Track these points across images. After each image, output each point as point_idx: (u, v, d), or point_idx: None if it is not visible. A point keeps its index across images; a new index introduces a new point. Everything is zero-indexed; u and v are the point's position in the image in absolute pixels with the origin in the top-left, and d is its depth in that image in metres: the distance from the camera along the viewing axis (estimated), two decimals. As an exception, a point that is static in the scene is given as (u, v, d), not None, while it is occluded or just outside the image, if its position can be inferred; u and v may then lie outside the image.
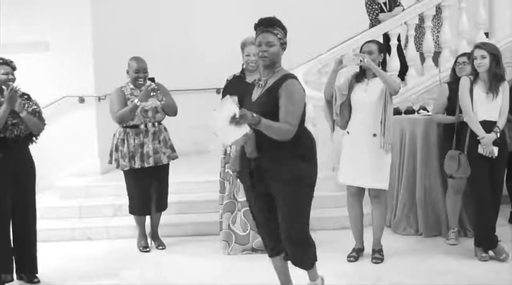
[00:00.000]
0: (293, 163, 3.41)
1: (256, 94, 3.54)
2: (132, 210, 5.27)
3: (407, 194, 5.54)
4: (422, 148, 5.42)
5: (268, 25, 3.42)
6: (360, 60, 4.47)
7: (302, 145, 3.47)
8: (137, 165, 5.06)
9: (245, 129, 3.16)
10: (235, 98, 4.66)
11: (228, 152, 4.92)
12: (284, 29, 3.46)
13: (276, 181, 3.43)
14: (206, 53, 8.13)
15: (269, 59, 3.42)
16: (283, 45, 3.46)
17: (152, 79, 4.97)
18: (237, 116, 3.11)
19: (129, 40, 7.26)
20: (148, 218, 5.33)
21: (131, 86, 5.12)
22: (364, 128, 4.63)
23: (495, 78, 4.53)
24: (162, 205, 5.31)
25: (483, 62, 4.50)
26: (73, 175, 6.92)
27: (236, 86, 4.80)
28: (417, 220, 5.49)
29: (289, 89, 3.36)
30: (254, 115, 3.21)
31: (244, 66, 4.95)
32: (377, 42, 4.81)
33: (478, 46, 4.59)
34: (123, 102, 5.04)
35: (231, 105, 3.16)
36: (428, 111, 5.68)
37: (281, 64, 3.52)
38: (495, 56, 4.50)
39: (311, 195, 3.55)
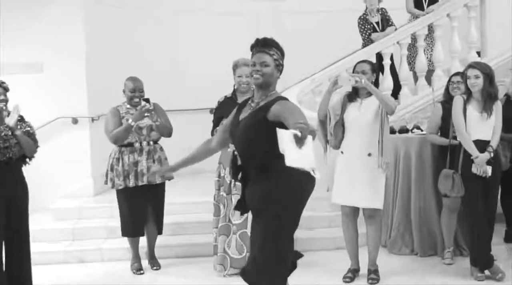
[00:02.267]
0: (268, 192, 3.25)
1: (244, 114, 3.45)
2: (125, 233, 5.22)
3: (402, 214, 5.53)
4: (416, 167, 5.42)
5: (263, 45, 3.37)
6: (356, 81, 4.46)
7: (281, 173, 3.19)
8: (132, 183, 5.03)
9: (310, 141, 2.79)
10: None
11: (222, 174, 4.90)
12: (281, 50, 3.40)
13: (253, 208, 3.39)
14: (199, 73, 8.15)
15: (262, 79, 3.32)
16: (279, 66, 3.38)
17: (147, 100, 4.97)
18: (299, 134, 2.76)
19: (123, 61, 7.26)
20: (142, 240, 5.29)
21: (127, 105, 5.12)
22: (358, 147, 4.63)
23: (488, 98, 4.55)
24: (158, 227, 5.27)
25: (476, 82, 4.52)
26: (66, 196, 6.86)
27: (228, 108, 4.77)
28: (413, 240, 5.47)
29: (283, 105, 3.24)
30: (306, 122, 2.91)
31: (236, 87, 4.92)
32: (370, 62, 4.83)
33: (472, 65, 4.61)
34: (118, 121, 5.03)
35: (283, 133, 2.83)
36: (422, 130, 5.69)
37: (276, 88, 3.44)
38: (489, 75, 4.52)
39: (284, 229, 3.31)
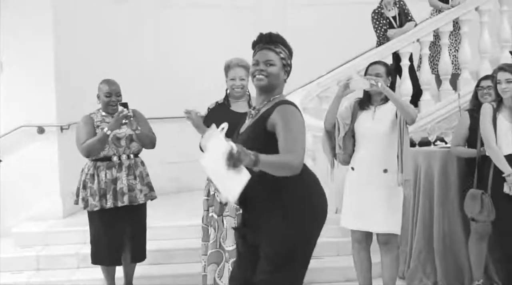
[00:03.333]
0: (278, 228, 3.24)
1: (245, 124, 3.43)
2: (95, 260, 5.20)
3: (423, 240, 5.54)
4: (439, 185, 5.43)
5: (268, 41, 3.33)
6: (372, 84, 4.47)
7: (289, 195, 3.25)
8: (110, 204, 5.01)
9: (245, 175, 2.85)
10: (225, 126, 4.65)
11: (211, 192, 4.91)
12: (288, 49, 3.38)
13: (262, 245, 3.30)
14: (186, 76, 8.20)
15: (266, 80, 3.29)
16: (286, 67, 3.36)
17: (125, 105, 4.97)
18: (235, 152, 2.78)
19: (98, 61, 7.31)
20: (119, 270, 5.28)
21: (103, 112, 5.13)
22: (372, 163, 4.65)
23: (522, 106, 4.59)
24: (138, 254, 5.27)
25: (508, 87, 4.56)
26: (31, 219, 6.89)
27: (219, 116, 4.79)
28: (435, 271, 5.48)
29: (282, 115, 3.21)
30: (251, 153, 2.89)
31: (228, 91, 4.91)
32: (385, 64, 4.87)
33: (502, 68, 4.65)
34: (92, 130, 5.03)
35: (219, 138, 2.90)
36: (446, 143, 5.72)
37: (282, 91, 3.41)
38: (522, 79, 4.57)
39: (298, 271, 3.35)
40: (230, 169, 2.80)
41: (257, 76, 3.31)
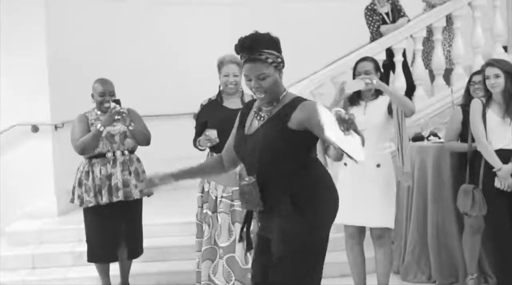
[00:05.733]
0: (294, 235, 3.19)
1: (254, 125, 3.32)
2: (92, 258, 5.22)
3: (417, 235, 5.58)
4: (433, 180, 5.47)
5: (251, 50, 3.16)
6: (367, 83, 4.49)
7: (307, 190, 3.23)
8: (105, 200, 5.02)
9: (357, 138, 2.82)
10: (214, 132, 4.70)
11: (206, 189, 4.92)
12: (273, 44, 3.20)
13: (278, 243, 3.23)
14: (179, 72, 8.24)
15: (267, 95, 3.19)
16: (279, 66, 3.21)
17: (117, 101, 5.00)
18: (343, 114, 2.72)
19: (91, 59, 7.32)
20: (115, 269, 5.30)
21: (97, 111, 5.16)
22: (365, 158, 4.65)
23: (511, 100, 4.62)
24: (135, 250, 5.29)
25: (497, 82, 4.60)
26: (25, 217, 6.91)
27: (212, 112, 4.86)
28: (430, 265, 5.52)
29: (309, 107, 3.10)
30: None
31: (222, 88, 4.94)
32: (373, 60, 4.87)
33: (490, 63, 4.70)
34: (86, 129, 5.06)
35: (326, 110, 2.83)
36: (439, 138, 5.76)
37: (284, 87, 3.30)
38: (511, 74, 4.60)
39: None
40: (346, 134, 2.78)
41: (256, 94, 3.23)
